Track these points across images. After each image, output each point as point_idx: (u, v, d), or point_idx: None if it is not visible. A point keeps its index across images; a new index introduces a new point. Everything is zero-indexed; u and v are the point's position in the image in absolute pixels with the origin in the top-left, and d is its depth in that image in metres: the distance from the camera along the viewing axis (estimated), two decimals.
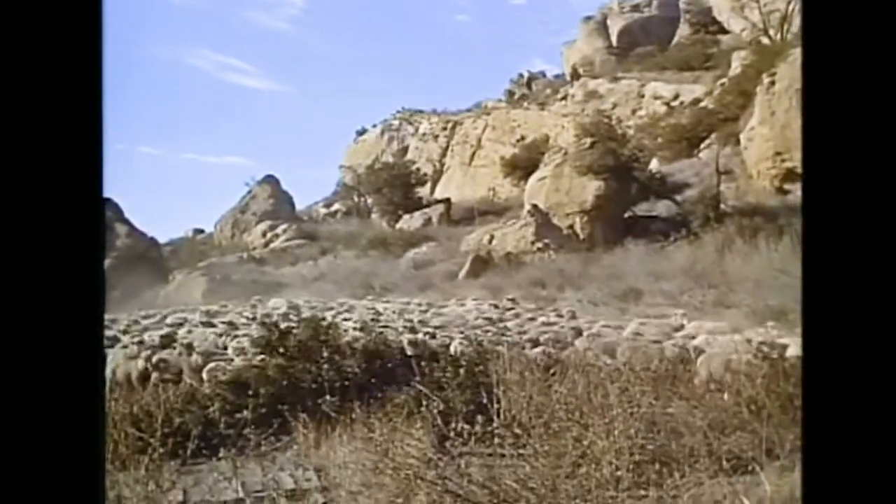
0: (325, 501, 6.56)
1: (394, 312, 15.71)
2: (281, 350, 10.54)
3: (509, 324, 14.04)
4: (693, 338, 11.98)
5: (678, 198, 27.27)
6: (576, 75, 53.55)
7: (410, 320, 14.27)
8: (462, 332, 12.68)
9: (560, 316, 15.25)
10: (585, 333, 12.71)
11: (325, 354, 10.12)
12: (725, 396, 8.03)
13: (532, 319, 14.70)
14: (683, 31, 51.93)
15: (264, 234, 39.72)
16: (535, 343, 12.02)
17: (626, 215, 27.58)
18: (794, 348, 9.69)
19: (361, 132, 65.64)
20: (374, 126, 64.93)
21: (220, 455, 7.25)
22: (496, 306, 16.99)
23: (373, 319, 14.13)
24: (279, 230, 39.65)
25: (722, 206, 25.36)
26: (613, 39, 54.59)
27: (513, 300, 17.81)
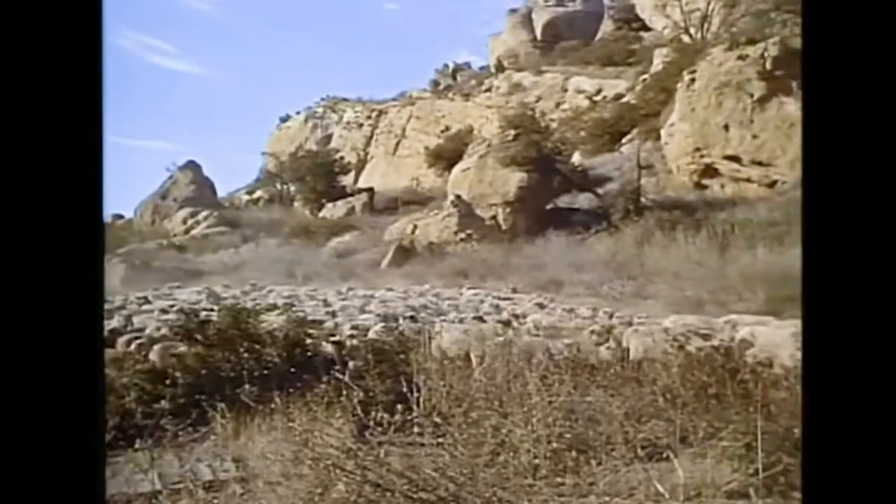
0: (243, 492, 6.49)
1: (316, 301, 15.61)
2: (200, 338, 10.39)
3: (431, 312, 14.08)
4: (613, 327, 12.19)
5: (599, 191, 27.68)
6: (501, 67, 53.85)
7: (332, 309, 14.21)
8: (383, 321, 12.67)
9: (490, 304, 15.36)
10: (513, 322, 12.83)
11: (245, 343, 10.01)
12: (635, 383, 8.21)
13: (455, 307, 14.77)
14: (607, 26, 52.65)
15: (185, 221, 39.01)
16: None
17: (548, 207, 27.87)
18: (708, 338, 9.97)
19: (285, 119, 64.95)
20: (298, 113, 64.33)
21: (137, 446, 7.13)
22: (420, 294, 17.02)
23: (294, 308, 14.02)
24: (200, 217, 38.99)
25: (642, 199, 25.83)
26: (538, 33, 55.04)
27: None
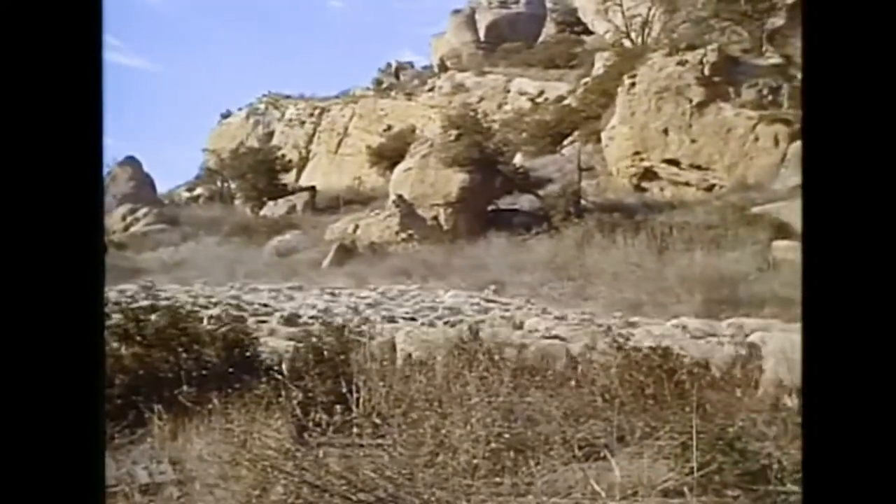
0: (180, 495, 6.40)
1: (255, 300, 15.47)
2: (137, 338, 10.22)
3: (371, 312, 14.05)
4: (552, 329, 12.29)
5: (540, 192, 27.87)
6: (443, 67, 53.94)
7: (272, 308, 14.10)
8: (323, 321, 12.61)
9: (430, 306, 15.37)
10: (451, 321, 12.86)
11: (184, 343, 9.88)
12: (574, 384, 8.28)
13: (397, 306, 14.77)
14: (549, 29, 53.07)
15: (124, 218, 38.32)
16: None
17: (489, 208, 27.99)
18: (646, 339, 10.09)
19: (226, 115, 64.18)
20: (240, 109, 63.61)
21: None
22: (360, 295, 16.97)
23: (234, 307, 13.88)
24: (139, 214, 38.35)
25: (582, 201, 26.09)
26: (481, 34, 55.26)
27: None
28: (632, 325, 12.37)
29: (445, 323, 12.88)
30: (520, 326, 12.55)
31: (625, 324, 12.55)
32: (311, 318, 13.15)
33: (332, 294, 17.27)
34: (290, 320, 12.73)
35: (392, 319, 13.19)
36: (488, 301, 16.26)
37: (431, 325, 12.80)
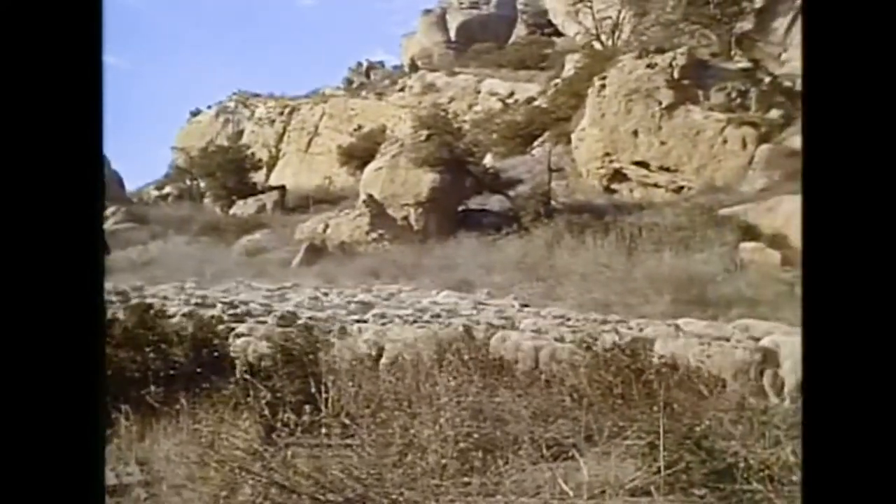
0: (147, 497, 6.35)
1: (225, 300, 15.37)
2: (105, 338, 10.11)
3: (342, 312, 14.01)
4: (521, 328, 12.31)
5: (511, 193, 27.94)
6: (414, 67, 53.92)
7: (241, 309, 14.01)
8: (293, 321, 12.55)
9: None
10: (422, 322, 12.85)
11: (152, 343, 9.80)
12: (545, 382, 8.31)
13: (367, 307, 14.72)
14: (520, 30, 53.24)
15: None
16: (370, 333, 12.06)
17: (459, 208, 28.02)
18: (614, 338, 10.13)
19: (196, 113, 63.71)
20: (209, 107, 63.18)
21: None
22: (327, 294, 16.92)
23: (202, 307, 13.78)
24: (108, 212, 37.97)
25: (552, 202, 26.19)
26: (452, 34, 55.32)
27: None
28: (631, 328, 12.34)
29: (447, 324, 12.86)
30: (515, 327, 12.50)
31: (601, 324, 12.57)
32: (281, 317, 13.08)
33: (305, 293, 17.20)
34: (259, 320, 12.65)
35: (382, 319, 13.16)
36: (481, 303, 16.24)
37: (417, 324, 12.77)
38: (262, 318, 12.87)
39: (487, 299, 16.86)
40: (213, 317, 12.18)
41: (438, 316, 13.86)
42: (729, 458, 5.68)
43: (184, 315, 12.13)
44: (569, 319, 13.34)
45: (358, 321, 12.98)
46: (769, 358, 9.68)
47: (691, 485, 5.72)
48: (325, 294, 17.24)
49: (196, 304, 14.03)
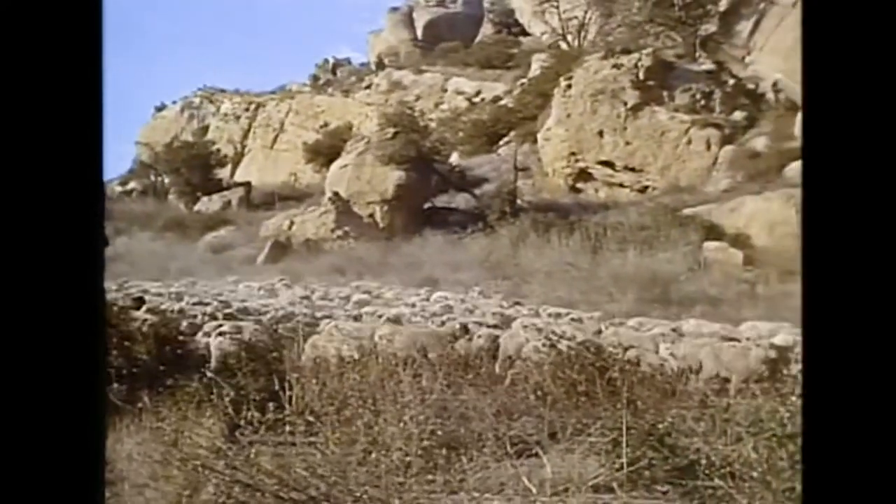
0: (109, 496, 6.28)
1: (190, 297, 15.25)
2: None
3: (307, 310, 13.96)
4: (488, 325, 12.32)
5: (476, 191, 27.98)
6: (381, 65, 53.77)
7: (206, 307, 13.91)
8: (257, 318, 12.49)
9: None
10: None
11: (115, 340, 9.68)
12: (509, 381, 8.34)
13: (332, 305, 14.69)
14: (487, 29, 53.27)
15: None
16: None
17: (425, 206, 28.01)
18: (579, 335, 10.18)
19: (160, 108, 62.92)
20: (174, 102, 62.46)
21: None
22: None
23: (167, 304, 13.65)
24: None
25: (518, 201, 26.26)
26: (419, 32, 55.23)
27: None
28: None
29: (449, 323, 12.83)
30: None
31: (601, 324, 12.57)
32: (245, 314, 13.00)
33: (267, 290, 17.11)
34: (225, 316, 12.57)
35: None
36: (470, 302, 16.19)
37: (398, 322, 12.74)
38: (227, 315, 12.78)
39: (478, 298, 16.86)
40: (177, 313, 12.09)
41: (436, 314, 13.85)
42: (691, 454, 5.74)
43: (148, 312, 12.01)
44: (574, 319, 13.32)
45: (325, 317, 12.94)
46: (782, 356, 9.76)
47: (654, 481, 5.77)
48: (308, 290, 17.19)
49: (160, 301, 13.90)
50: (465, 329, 10.99)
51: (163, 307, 12.93)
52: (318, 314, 13.53)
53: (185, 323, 11.47)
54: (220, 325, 11.74)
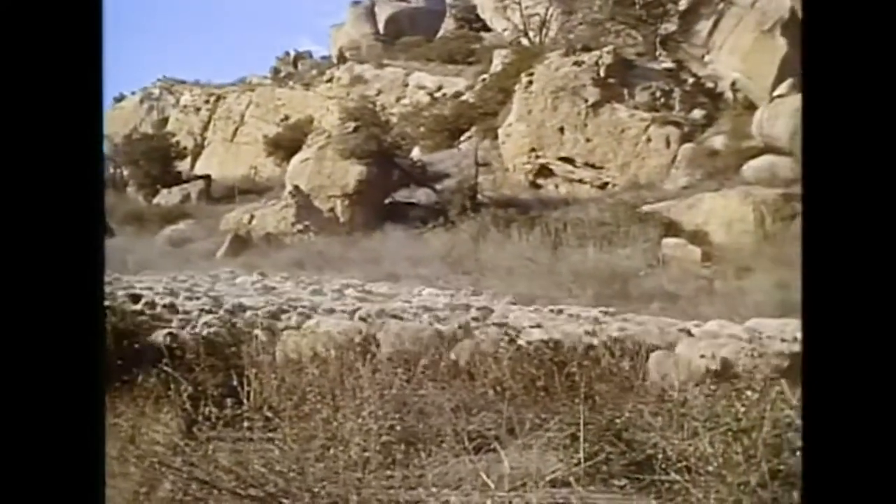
0: None
1: (147, 290, 15.08)
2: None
3: (264, 302, 13.87)
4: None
5: (437, 186, 27.99)
6: (342, 58, 53.50)
7: (163, 300, 13.77)
8: (216, 313, 12.39)
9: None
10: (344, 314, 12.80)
11: None
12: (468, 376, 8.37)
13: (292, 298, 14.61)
14: (449, 24, 53.23)
15: None
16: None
17: (386, 201, 27.97)
18: (537, 332, 10.24)
19: (119, 99, 62.02)
20: (133, 93, 61.60)
21: None
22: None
23: (124, 298, 13.48)
24: None
25: (479, 196, 26.31)
26: (381, 26, 55.04)
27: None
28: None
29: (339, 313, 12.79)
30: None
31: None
32: (204, 309, 12.90)
33: (226, 285, 17.00)
34: (183, 311, 12.46)
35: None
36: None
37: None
38: (185, 309, 12.67)
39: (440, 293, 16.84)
40: (134, 308, 11.96)
41: (431, 310, 13.81)
42: (648, 449, 5.80)
43: (105, 306, 11.84)
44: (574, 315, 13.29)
45: (283, 311, 12.88)
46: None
47: (611, 476, 5.83)
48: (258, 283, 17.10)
49: (116, 295, 13.72)
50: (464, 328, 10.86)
51: (119, 300, 12.78)
52: (277, 307, 13.45)
53: (142, 317, 11.35)
54: (179, 319, 11.65)
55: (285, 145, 39.30)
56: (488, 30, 47.78)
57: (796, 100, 20.52)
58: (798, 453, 4.50)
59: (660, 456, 5.64)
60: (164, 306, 12.95)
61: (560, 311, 13.59)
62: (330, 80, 49.60)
